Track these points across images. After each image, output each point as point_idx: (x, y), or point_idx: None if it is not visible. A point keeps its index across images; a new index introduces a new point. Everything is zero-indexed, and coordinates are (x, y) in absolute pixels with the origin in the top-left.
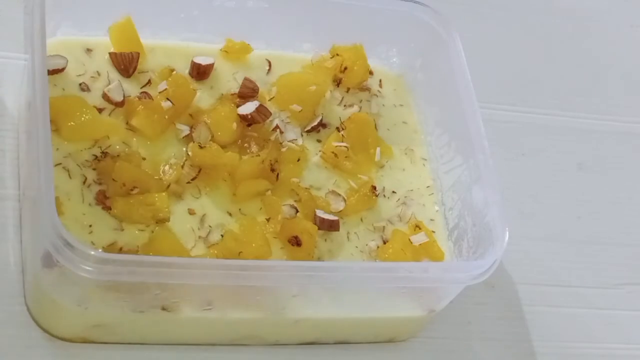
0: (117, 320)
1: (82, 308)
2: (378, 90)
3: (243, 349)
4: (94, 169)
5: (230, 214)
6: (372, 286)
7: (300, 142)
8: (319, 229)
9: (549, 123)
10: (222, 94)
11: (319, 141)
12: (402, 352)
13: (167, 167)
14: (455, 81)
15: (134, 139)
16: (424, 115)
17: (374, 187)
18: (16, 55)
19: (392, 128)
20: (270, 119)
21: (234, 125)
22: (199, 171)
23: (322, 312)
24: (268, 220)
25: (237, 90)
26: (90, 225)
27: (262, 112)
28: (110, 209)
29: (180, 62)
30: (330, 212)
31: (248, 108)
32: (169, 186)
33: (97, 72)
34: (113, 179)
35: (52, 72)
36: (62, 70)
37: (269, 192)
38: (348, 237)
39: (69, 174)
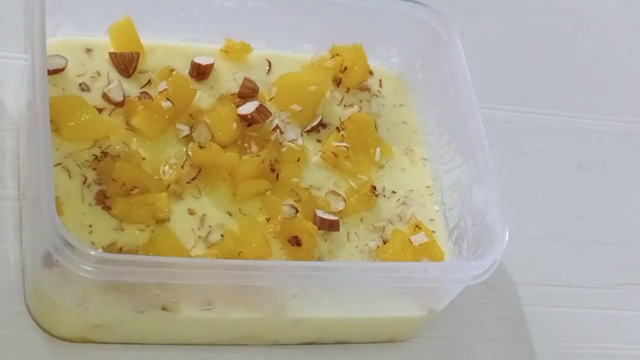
0: (117, 320)
1: (82, 308)
2: (378, 90)
3: (243, 349)
4: (94, 169)
5: (230, 214)
6: (372, 286)
7: (300, 142)
8: (319, 229)
9: (549, 123)
10: (222, 94)
11: (319, 141)
12: (402, 352)
13: (167, 167)
14: (455, 81)
15: (134, 139)
16: (424, 115)
17: (374, 187)
18: (16, 55)
19: (392, 128)
20: (270, 119)
21: (234, 125)
22: (199, 171)
23: (322, 312)
24: (268, 220)
25: (237, 90)
26: (90, 225)
27: (262, 112)
28: (110, 209)
29: (180, 62)
30: (330, 212)
31: (248, 108)
32: (169, 186)
33: (97, 72)
34: (113, 179)
35: (52, 72)
36: (62, 70)
37: (269, 192)
38: (348, 237)
39: (69, 174)
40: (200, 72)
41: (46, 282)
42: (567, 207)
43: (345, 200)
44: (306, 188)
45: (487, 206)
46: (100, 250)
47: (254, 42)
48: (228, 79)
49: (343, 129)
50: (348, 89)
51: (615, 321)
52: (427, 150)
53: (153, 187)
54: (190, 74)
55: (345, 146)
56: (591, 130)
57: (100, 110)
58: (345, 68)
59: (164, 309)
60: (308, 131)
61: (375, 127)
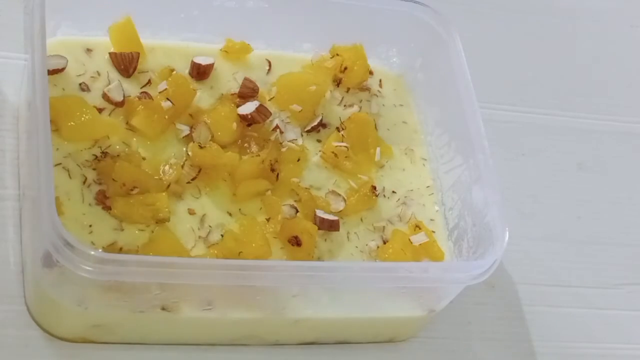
0: (117, 320)
1: (82, 308)
2: (378, 90)
3: (243, 349)
4: (94, 169)
5: (230, 214)
6: (372, 286)
7: (300, 142)
8: (319, 229)
9: (549, 123)
10: (222, 94)
11: (319, 141)
12: (402, 352)
13: (167, 167)
14: (455, 81)
15: (134, 139)
16: (424, 115)
17: (374, 187)
18: (16, 55)
19: (392, 128)
20: (270, 119)
21: (234, 125)
22: (199, 171)
23: (322, 312)
24: (268, 220)
25: (237, 90)
26: (90, 225)
27: (262, 112)
28: (110, 209)
29: (180, 62)
30: (330, 212)
31: (248, 108)
32: (169, 186)
33: (97, 72)
34: (113, 179)
35: (52, 72)
36: (62, 70)
37: (269, 192)
38: (348, 237)
39: (69, 174)
40: (200, 72)
41: (46, 282)
42: (567, 207)
43: (345, 200)
44: (306, 188)
45: (487, 206)
46: (100, 250)
47: (254, 42)
48: (228, 79)
49: (343, 129)
50: (348, 89)
51: (615, 321)
52: (427, 150)
53: (153, 187)
54: (190, 74)
55: (345, 146)
56: (591, 130)
57: (100, 110)
58: (345, 68)
59: (164, 309)
60: (308, 131)
61: (375, 127)
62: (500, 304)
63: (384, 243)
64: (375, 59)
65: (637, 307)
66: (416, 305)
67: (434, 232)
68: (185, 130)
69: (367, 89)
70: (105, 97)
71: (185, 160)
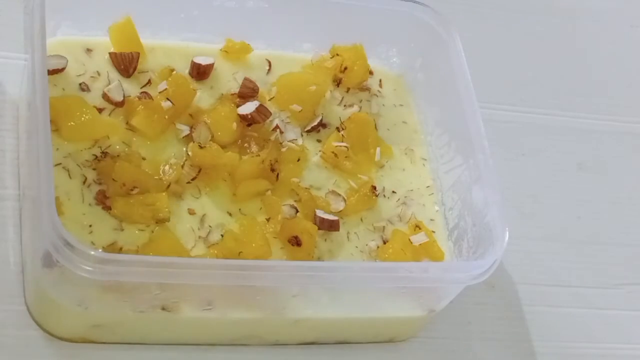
0: (117, 320)
1: (82, 308)
2: (378, 90)
3: (243, 349)
4: (94, 169)
5: (230, 214)
6: (372, 286)
7: (300, 142)
8: (319, 229)
9: (549, 123)
10: (222, 94)
11: (319, 141)
12: (402, 352)
13: (167, 167)
14: (455, 81)
15: (134, 139)
16: (424, 115)
17: (374, 187)
18: (16, 55)
19: (392, 128)
20: (270, 119)
21: (234, 125)
22: (199, 171)
23: (322, 312)
24: (268, 220)
25: (237, 90)
26: (90, 225)
27: (262, 112)
28: (110, 209)
29: (180, 62)
30: (330, 212)
31: (248, 108)
32: (169, 186)
33: (97, 72)
34: (113, 179)
35: (52, 72)
36: (62, 70)
37: (269, 192)
38: (348, 237)
39: (69, 174)
40: (200, 72)
41: (46, 282)
42: (567, 207)
43: (345, 200)
44: (306, 188)
45: (487, 206)
46: (100, 250)
47: (254, 42)
48: (228, 79)
49: (343, 129)
50: (348, 89)
51: (615, 321)
52: (427, 150)
53: (153, 187)
54: (190, 74)
55: (345, 146)
56: (591, 130)
57: (100, 110)
58: (345, 68)
59: (164, 309)
60: (308, 131)
61: (375, 127)
62: (500, 304)
63: (384, 243)
64: (375, 59)
65: (637, 307)
66: (416, 305)
67: (434, 232)
68: (185, 130)
69: (367, 89)
70: (105, 97)
71: (185, 160)
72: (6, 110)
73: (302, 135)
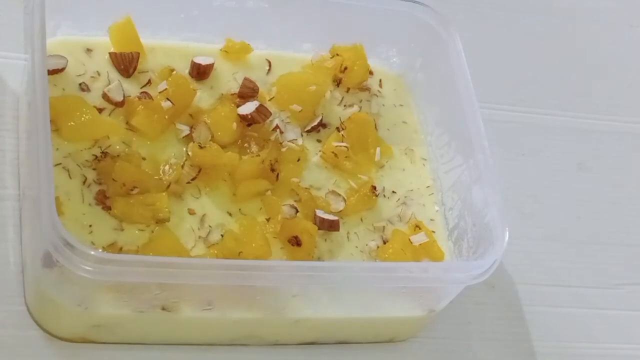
0: (117, 320)
1: (82, 308)
2: (378, 90)
3: (243, 349)
4: (94, 169)
5: (230, 214)
6: (372, 286)
7: (300, 142)
8: (319, 229)
9: (549, 123)
10: (222, 94)
11: (319, 141)
12: (402, 352)
13: (167, 167)
14: (455, 81)
15: (134, 139)
16: (424, 115)
17: (374, 187)
18: (16, 55)
19: (392, 128)
20: (270, 119)
21: (234, 125)
22: (199, 171)
23: (322, 312)
24: (268, 220)
25: (237, 90)
26: (90, 225)
27: (262, 112)
28: (110, 209)
29: (180, 62)
30: (330, 212)
31: (248, 108)
32: (169, 186)
33: (97, 72)
34: (113, 179)
35: (52, 72)
36: (62, 70)
37: (269, 192)
38: (348, 237)
39: (69, 174)
40: (200, 72)
41: (46, 282)
42: (567, 207)
43: (345, 200)
44: (306, 188)
45: (487, 206)
46: (100, 250)
47: (254, 42)
48: (228, 79)
49: (343, 129)
50: (348, 89)
51: (615, 321)
52: (427, 150)
53: (153, 187)
54: (190, 74)
55: (345, 146)
56: (591, 130)
57: (100, 110)
58: (345, 68)
59: (164, 309)
60: (308, 131)
61: (375, 127)
62: (500, 304)
63: (384, 243)
64: (375, 59)
65: (637, 307)
66: (416, 305)
67: (434, 232)
68: (185, 130)
69: (367, 89)
70: (105, 97)
71: (185, 160)
72: (6, 110)
73: (302, 135)
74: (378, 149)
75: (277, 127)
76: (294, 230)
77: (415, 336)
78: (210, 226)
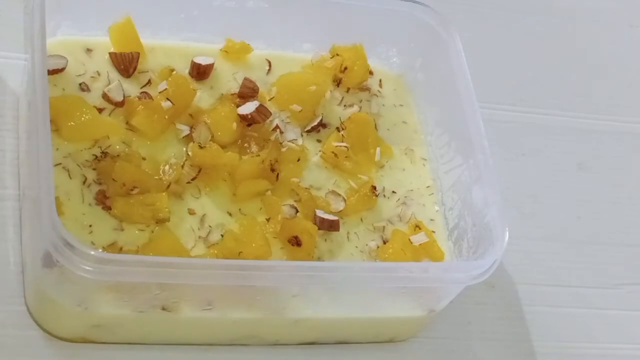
0: (117, 320)
1: (82, 308)
2: (378, 90)
3: (243, 349)
4: (94, 169)
5: (230, 214)
6: (372, 286)
7: (300, 142)
8: (319, 229)
9: (549, 123)
10: (222, 94)
11: (319, 141)
12: (402, 352)
13: (167, 167)
14: (455, 81)
15: (134, 139)
16: (424, 115)
17: (374, 187)
18: (16, 55)
19: (392, 128)
20: (270, 119)
21: (234, 125)
22: (199, 171)
23: (322, 312)
24: (268, 220)
25: (237, 90)
26: (90, 225)
27: (262, 112)
28: (110, 209)
29: (180, 62)
30: (330, 212)
31: (248, 108)
32: (169, 186)
33: (97, 72)
34: (113, 179)
35: (52, 72)
36: (62, 70)
37: (269, 192)
38: (348, 237)
39: (69, 174)
40: (200, 72)
41: (46, 282)
42: (567, 207)
43: (345, 200)
44: (306, 188)
45: (487, 206)
46: (100, 250)
47: (254, 42)
48: (228, 79)
49: (343, 129)
50: (348, 89)
51: (615, 321)
52: (427, 150)
53: (153, 187)
54: (190, 74)
55: (345, 146)
56: (591, 130)
57: (100, 110)
58: (345, 68)
59: (164, 309)
60: (308, 131)
61: (375, 127)
62: (500, 304)
63: (384, 243)
64: (375, 59)
65: (637, 307)
66: (416, 305)
67: (434, 232)
68: (185, 130)
69: (367, 89)
70: (105, 97)
71: (185, 160)
72: (6, 110)
73: (302, 135)
74: (378, 149)
75: (277, 127)
76: (294, 230)
77: (415, 336)
78: (210, 226)
